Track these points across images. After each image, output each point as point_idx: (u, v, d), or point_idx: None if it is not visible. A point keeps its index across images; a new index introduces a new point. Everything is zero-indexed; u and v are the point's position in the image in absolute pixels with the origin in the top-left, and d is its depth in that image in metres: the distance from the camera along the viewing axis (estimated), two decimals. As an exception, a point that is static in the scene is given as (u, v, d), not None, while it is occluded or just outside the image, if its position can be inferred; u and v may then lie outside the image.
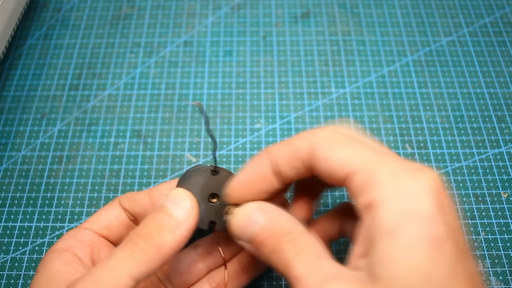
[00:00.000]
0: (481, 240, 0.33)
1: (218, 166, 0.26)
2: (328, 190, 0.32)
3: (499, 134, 0.37)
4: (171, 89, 0.41)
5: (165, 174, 0.36)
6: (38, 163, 0.37)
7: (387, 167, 0.20)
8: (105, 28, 0.45)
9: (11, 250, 0.33)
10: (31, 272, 0.32)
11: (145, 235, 0.22)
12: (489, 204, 0.34)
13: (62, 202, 0.35)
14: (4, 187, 0.36)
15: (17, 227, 0.34)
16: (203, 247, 0.28)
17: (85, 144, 0.38)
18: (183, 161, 0.37)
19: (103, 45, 0.44)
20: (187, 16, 0.45)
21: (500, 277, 0.31)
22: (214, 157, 0.26)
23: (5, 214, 0.35)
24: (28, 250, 0.33)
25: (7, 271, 0.32)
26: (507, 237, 0.33)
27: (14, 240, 0.33)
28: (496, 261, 0.32)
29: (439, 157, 0.36)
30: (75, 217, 0.34)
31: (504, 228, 0.33)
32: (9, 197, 0.35)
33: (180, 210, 0.23)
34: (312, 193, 0.27)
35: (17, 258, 0.33)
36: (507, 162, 0.36)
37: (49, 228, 0.34)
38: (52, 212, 0.35)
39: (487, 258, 0.32)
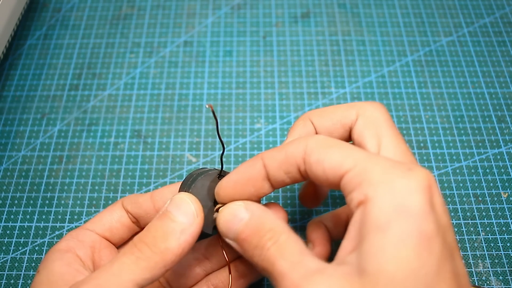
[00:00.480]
0: (481, 240, 0.33)
1: (224, 170, 0.26)
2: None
3: (499, 134, 0.38)
4: (171, 89, 0.41)
5: (165, 174, 0.36)
6: (38, 163, 0.37)
7: (379, 166, 0.20)
8: (105, 28, 0.45)
9: (11, 250, 0.33)
10: (31, 272, 0.32)
11: (149, 241, 0.22)
12: (489, 204, 0.34)
13: (62, 202, 0.35)
14: (4, 187, 0.36)
15: (17, 227, 0.34)
16: (200, 251, 0.28)
17: (85, 144, 0.38)
18: (183, 161, 0.37)
19: (103, 45, 0.44)
20: (187, 16, 0.45)
21: (500, 277, 0.31)
22: (221, 161, 0.26)
23: (5, 214, 0.35)
24: (28, 250, 0.33)
25: (7, 271, 0.32)
26: (507, 237, 0.33)
27: (14, 240, 0.33)
28: (496, 261, 0.32)
29: (439, 157, 0.36)
30: (75, 217, 0.34)
31: (504, 228, 0.33)
32: (9, 197, 0.35)
33: (184, 215, 0.23)
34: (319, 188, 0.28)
35: (17, 258, 0.33)
36: (507, 162, 0.36)
37: (49, 228, 0.34)
38: (52, 212, 0.35)
39: (487, 258, 0.32)
